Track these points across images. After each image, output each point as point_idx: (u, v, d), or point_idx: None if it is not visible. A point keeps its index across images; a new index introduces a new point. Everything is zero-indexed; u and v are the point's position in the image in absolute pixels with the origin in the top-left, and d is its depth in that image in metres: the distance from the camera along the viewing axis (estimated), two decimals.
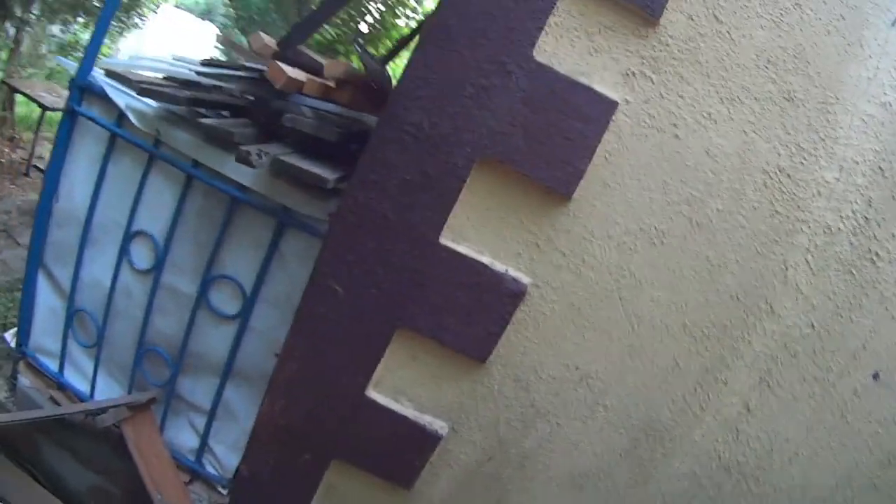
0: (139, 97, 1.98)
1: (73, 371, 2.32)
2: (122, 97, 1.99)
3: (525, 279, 1.70)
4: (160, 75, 2.39)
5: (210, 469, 2.16)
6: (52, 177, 2.18)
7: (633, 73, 1.59)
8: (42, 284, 2.28)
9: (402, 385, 1.81)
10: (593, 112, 1.59)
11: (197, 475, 2.17)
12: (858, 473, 1.93)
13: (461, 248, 1.68)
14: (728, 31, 1.59)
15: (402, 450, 1.87)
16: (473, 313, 1.72)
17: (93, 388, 2.26)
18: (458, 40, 1.55)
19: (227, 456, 2.14)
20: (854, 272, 1.75)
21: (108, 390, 2.26)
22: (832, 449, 1.90)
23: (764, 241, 1.71)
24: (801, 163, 1.67)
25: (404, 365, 1.79)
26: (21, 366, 2.34)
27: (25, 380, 2.32)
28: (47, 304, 2.31)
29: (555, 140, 1.60)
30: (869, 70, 1.64)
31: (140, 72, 2.20)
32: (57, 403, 2.25)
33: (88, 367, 2.28)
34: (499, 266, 1.69)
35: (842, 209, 1.70)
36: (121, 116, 2.03)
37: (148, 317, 2.12)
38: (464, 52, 1.56)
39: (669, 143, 1.63)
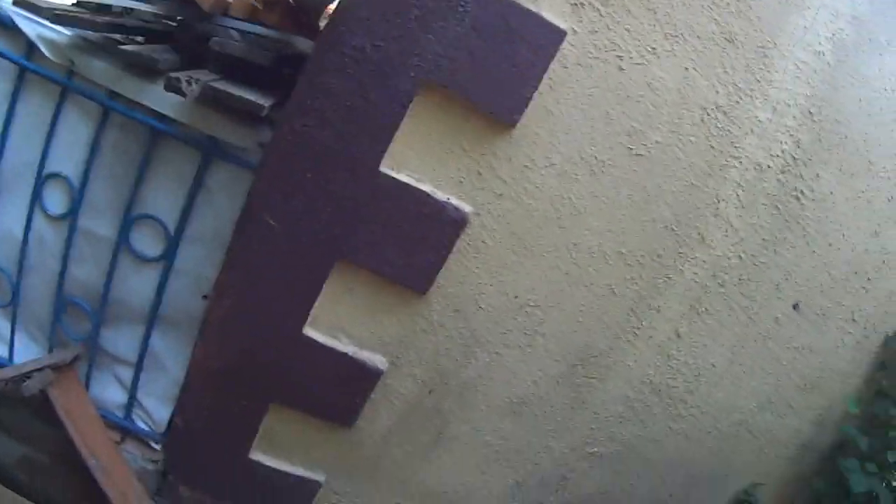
0: (52, 25, 1.78)
1: None
2: (32, 26, 1.77)
3: (466, 207, 1.69)
4: (71, 1, 2.17)
5: (141, 424, 2.06)
6: None
7: (582, 4, 1.57)
8: None
9: (339, 321, 1.78)
10: (541, 40, 1.57)
11: (128, 432, 2.05)
12: (777, 397, 2.09)
13: (402, 177, 1.64)
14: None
15: (342, 388, 1.85)
16: (414, 243, 1.70)
17: (11, 350, 2.08)
18: None
19: (157, 409, 2.04)
20: (780, 207, 1.84)
21: (28, 350, 2.08)
22: (754, 373, 2.03)
23: (698, 173, 1.77)
24: (737, 102, 1.72)
25: (342, 300, 1.76)
26: None
27: None
28: None
29: (501, 67, 1.57)
30: (807, 20, 1.69)
31: None
32: None
33: (2, 327, 2.09)
34: (440, 195, 1.67)
35: (772, 148, 1.78)
36: (30, 48, 1.81)
37: (65, 266, 1.95)
38: None
39: (613, 74, 1.64)
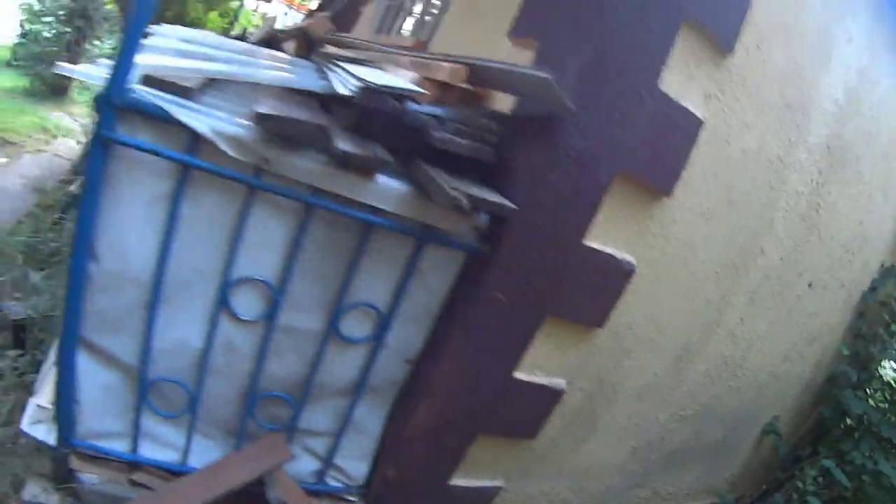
0: (234, 121, 1.80)
1: (150, 444, 2.11)
2: (198, 118, 1.67)
3: (633, 260, 2.25)
4: (212, 70, 1.96)
5: (334, 483, 2.30)
6: (85, 232, 1.74)
7: (709, 96, 2.17)
8: (84, 361, 1.89)
9: (537, 361, 2.26)
10: (690, 128, 2.15)
11: (320, 494, 2.29)
12: (793, 351, 3.02)
13: (596, 245, 2.14)
14: (764, 60, 2.25)
15: (533, 410, 2.36)
16: (598, 293, 2.23)
17: (185, 455, 2.12)
18: (608, 73, 1.93)
19: (355, 467, 2.20)
20: (806, 219, 2.68)
21: (204, 451, 2.13)
22: (782, 337, 2.93)
23: (763, 206, 2.51)
24: (789, 151, 2.47)
25: (542, 343, 2.24)
26: (74, 461, 2.04)
27: (90, 476, 2.03)
28: (96, 381, 1.92)
29: (665, 152, 2.13)
30: (831, 76, 2.46)
31: (183, 68, 1.90)
32: (146, 487, 2.07)
33: (171, 434, 2.04)
34: (618, 254, 2.21)
35: (805, 179, 2.58)
36: (195, 141, 1.69)
37: (261, 365, 2.00)
38: (614, 82, 1.94)
39: (723, 147, 2.27)
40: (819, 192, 2.66)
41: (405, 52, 2.43)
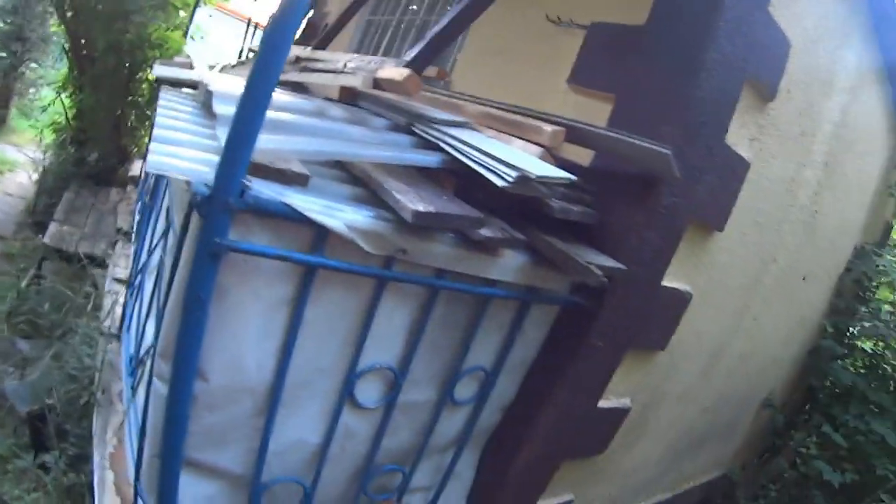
0: (365, 212, 1.65)
1: None
2: (331, 213, 1.57)
3: (690, 289, 2.59)
4: (323, 150, 1.81)
5: None
6: (191, 353, 1.56)
7: (755, 139, 2.50)
8: (188, 482, 1.77)
9: (613, 387, 2.57)
10: (739, 170, 2.48)
11: None
12: (789, 335, 3.55)
13: (669, 284, 2.45)
14: (791, 100, 2.61)
15: (606, 431, 2.68)
16: (666, 322, 2.56)
17: None
18: (692, 135, 2.19)
19: None
20: (806, 225, 3.15)
21: None
22: (782, 326, 3.44)
23: (780, 223, 2.93)
24: (802, 173, 2.89)
25: (618, 372, 2.55)
26: None
27: None
28: (201, 495, 1.84)
29: (722, 195, 2.46)
30: (831, 101, 2.90)
31: (288, 149, 1.68)
32: None
33: None
34: (681, 287, 2.54)
35: (810, 192, 3.03)
36: (321, 237, 1.60)
37: (377, 445, 2.03)
38: (695, 142, 2.21)
39: (763, 182, 2.63)
40: (816, 200, 3.12)
41: (470, 100, 2.52)
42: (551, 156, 2.14)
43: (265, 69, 1.39)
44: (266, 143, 1.53)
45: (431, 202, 1.78)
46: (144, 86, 6.37)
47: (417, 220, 1.66)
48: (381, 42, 4.61)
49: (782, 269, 3.13)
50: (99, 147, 6.07)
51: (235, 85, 2.31)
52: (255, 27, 6.12)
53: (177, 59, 5.33)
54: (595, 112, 2.32)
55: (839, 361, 3.84)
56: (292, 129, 1.85)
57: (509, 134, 2.22)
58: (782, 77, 2.46)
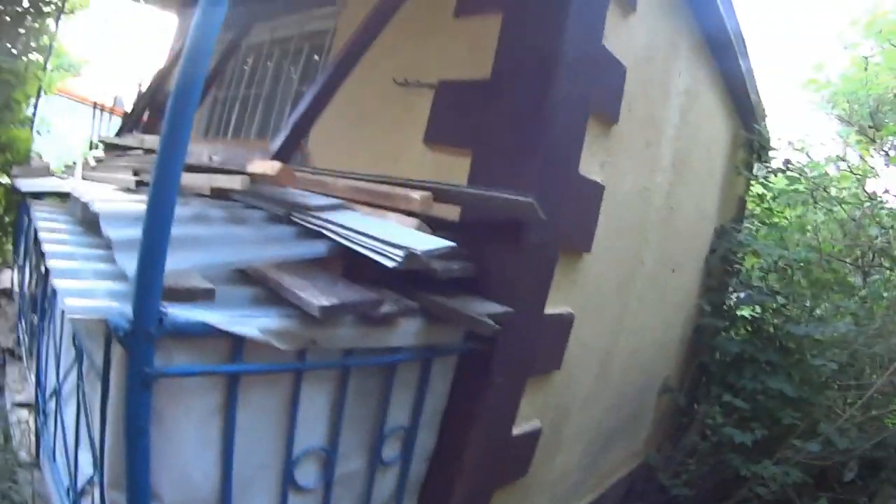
0: (272, 313, 1.79)
1: None
2: (242, 322, 1.68)
3: (571, 310, 2.85)
4: (223, 261, 1.93)
5: None
6: (142, 479, 1.62)
7: (605, 162, 2.79)
8: None
9: (522, 413, 2.79)
10: (596, 196, 2.76)
11: None
12: (667, 321, 3.91)
13: (552, 310, 2.69)
14: (633, 117, 2.92)
15: (525, 454, 2.89)
16: (555, 345, 2.81)
17: None
18: (551, 174, 2.42)
19: None
20: (666, 222, 3.50)
21: None
22: (660, 314, 3.79)
23: (640, 228, 3.26)
24: (650, 177, 3.23)
25: (524, 399, 2.76)
26: None
27: None
28: None
29: (584, 220, 2.73)
30: (670, 106, 3.25)
31: (191, 266, 1.79)
32: None
33: None
34: (563, 310, 2.78)
35: (663, 191, 3.38)
36: (239, 345, 1.72)
37: None
38: (554, 179, 2.44)
39: (611, 196, 2.92)
40: (671, 198, 3.49)
41: (334, 174, 2.66)
42: (423, 219, 2.32)
43: (162, 202, 1.47)
44: (171, 265, 1.56)
45: (331, 293, 1.93)
46: None
47: (324, 314, 1.80)
48: (229, 120, 4.70)
49: (651, 267, 3.47)
50: None
51: (113, 198, 2.38)
52: (102, 110, 5.88)
53: (32, 162, 5.16)
54: (454, 167, 2.52)
55: (723, 334, 4.26)
56: (186, 243, 1.90)
57: (382, 206, 2.37)
58: (622, 100, 2.74)
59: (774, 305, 4.36)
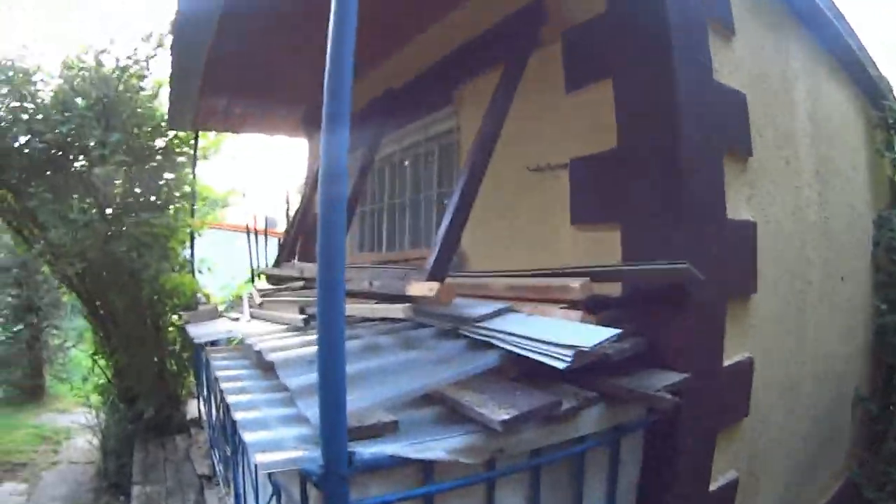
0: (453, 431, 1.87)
1: None
2: (428, 447, 1.80)
3: (749, 355, 2.78)
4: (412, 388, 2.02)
5: None
6: None
7: (751, 196, 2.74)
8: None
9: (716, 467, 2.74)
10: (750, 235, 2.71)
11: None
12: (845, 331, 3.74)
13: (730, 360, 2.65)
14: (767, 143, 2.86)
15: None
16: (739, 393, 2.76)
17: None
18: (701, 232, 2.42)
19: None
20: (824, 235, 3.38)
21: None
22: (836, 328, 3.64)
23: (802, 248, 3.16)
24: (804, 195, 3.14)
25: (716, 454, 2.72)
26: None
27: None
28: None
29: (744, 263, 2.68)
30: (797, 119, 3.15)
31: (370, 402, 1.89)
32: None
33: None
34: (741, 357, 2.73)
35: (813, 208, 3.27)
36: (429, 468, 1.85)
37: None
38: (706, 233, 2.43)
39: (772, 228, 2.86)
40: (823, 209, 3.37)
41: (493, 275, 2.76)
42: (584, 307, 2.36)
43: (333, 350, 1.54)
44: (352, 405, 1.65)
45: (510, 403, 2.00)
46: (171, 331, 6.64)
47: (506, 428, 1.88)
48: (380, 232, 4.99)
49: (819, 284, 3.35)
50: (150, 401, 6.28)
51: (285, 345, 2.56)
52: (256, 234, 6.27)
53: (199, 306, 5.61)
54: (607, 242, 2.58)
55: None
56: (363, 378, 2.04)
57: (543, 300, 2.45)
58: (750, 128, 2.70)
59: None
